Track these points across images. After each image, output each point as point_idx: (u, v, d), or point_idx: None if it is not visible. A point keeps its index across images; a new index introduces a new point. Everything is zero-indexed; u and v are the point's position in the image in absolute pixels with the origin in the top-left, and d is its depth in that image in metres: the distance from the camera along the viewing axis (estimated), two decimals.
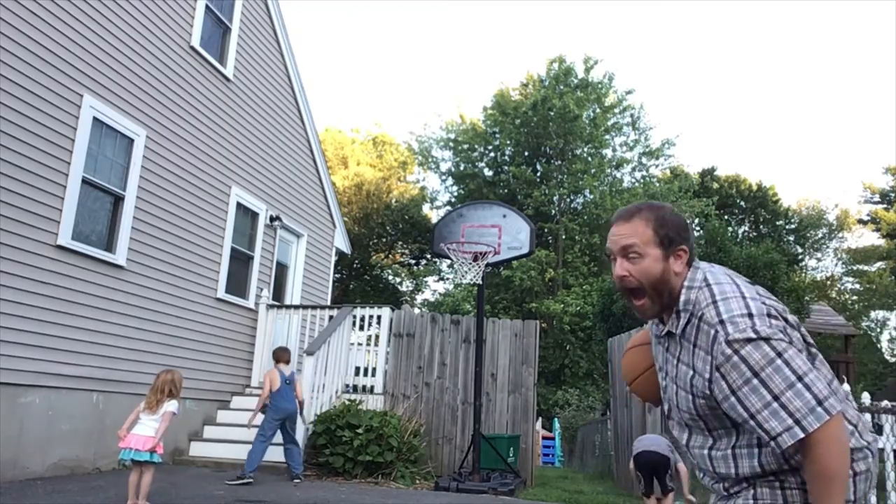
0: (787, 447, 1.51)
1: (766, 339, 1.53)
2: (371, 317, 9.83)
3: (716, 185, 33.85)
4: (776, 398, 1.51)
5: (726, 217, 32.48)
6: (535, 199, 24.90)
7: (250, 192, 10.17)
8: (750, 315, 1.57)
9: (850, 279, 37.10)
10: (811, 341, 1.67)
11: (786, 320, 1.61)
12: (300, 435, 8.05)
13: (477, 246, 8.34)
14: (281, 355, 7.68)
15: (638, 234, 1.70)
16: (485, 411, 8.72)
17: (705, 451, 1.71)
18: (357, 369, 9.76)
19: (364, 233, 28.44)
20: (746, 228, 34.69)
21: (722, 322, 1.58)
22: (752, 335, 1.54)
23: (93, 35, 7.23)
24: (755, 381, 1.52)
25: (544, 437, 19.98)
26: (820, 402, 1.50)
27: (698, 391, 1.64)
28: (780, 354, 1.52)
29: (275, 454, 8.10)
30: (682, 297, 1.68)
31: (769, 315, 1.58)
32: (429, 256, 30.20)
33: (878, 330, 36.86)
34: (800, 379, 1.51)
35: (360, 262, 29.58)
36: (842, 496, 1.51)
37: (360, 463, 7.66)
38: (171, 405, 5.19)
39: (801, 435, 1.49)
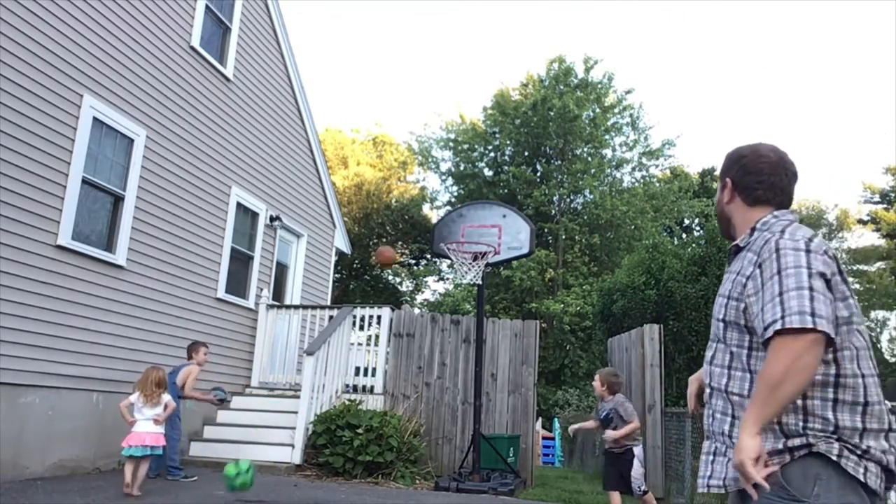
0: (768, 338, 1.69)
1: (808, 252, 1.75)
2: (371, 317, 9.83)
3: (716, 185, 33.84)
4: (782, 293, 1.69)
5: None
6: (535, 199, 24.88)
7: (250, 192, 10.17)
8: (810, 239, 1.79)
9: (851, 279, 37.02)
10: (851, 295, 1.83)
11: (836, 262, 1.79)
12: (300, 435, 8.06)
13: (477, 246, 8.34)
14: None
15: None
16: (485, 411, 8.72)
17: (713, 367, 1.93)
18: (357, 369, 9.76)
19: (364, 233, 28.42)
20: None
21: (783, 232, 1.83)
22: (802, 245, 1.76)
23: (93, 35, 7.23)
24: (778, 276, 1.73)
25: (544, 437, 19.96)
26: (812, 314, 1.64)
27: (733, 292, 1.88)
28: (808, 267, 1.71)
29: (272, 454, 8.11)
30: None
31: (825, 252, 1.78)
32: (429, 256, 30.17)
33: (878, 330, 36.84)
34: (810, 289, 1.68)
35: (360, 262, 29.55)
36: (770, 409, 1.68)
37: (360, 463, 7.66)
38: (168, 397, 6.06)
39: (779, 326, 1.65)
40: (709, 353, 1.97)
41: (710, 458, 1.91)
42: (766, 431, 1.75)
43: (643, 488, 5.89)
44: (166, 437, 6.61)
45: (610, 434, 5.89)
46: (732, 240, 2.06)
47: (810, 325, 1.63)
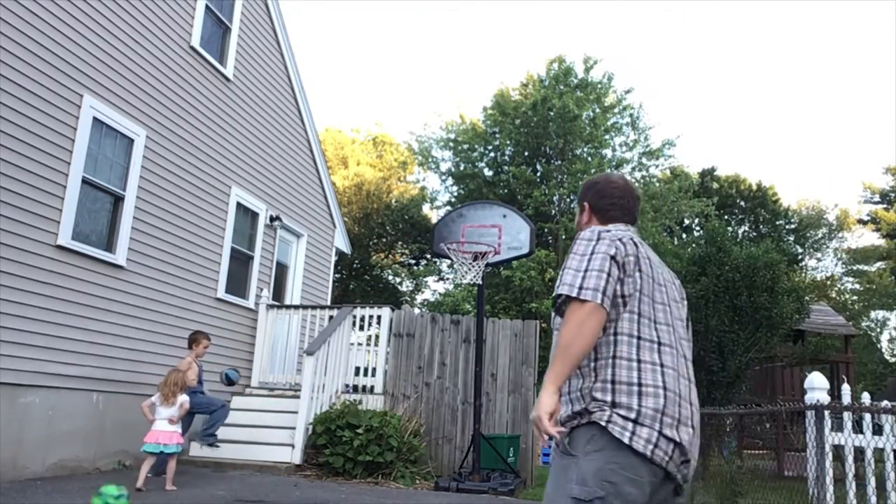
0: (557, 298, 2.10)
1: (598, 240, 2.12)
2: (371, 317, 9.83)
3: (716, 185, 33.82)
4: (565, 269, 2.10)
5: (726, 217, 32.45)
6: (535, 199, 24.87)
7: (250, 192, 10.17)
8: (607, 230, 2.18)
9: (850, 279, 37.08)
10: (650, 274, 2.17)
11: (637, 249, 2.16)
12: (300, 435, 8.06)
13: (477, 246, 8.34)
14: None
15: None
16: (485, 411, 8.72)
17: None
18: (357, 369, 9.76)
19: (364, 233, 28.41)
20: (746, 228, 34.65)
21: (591, 228, 2.23)
22: (595, 236, 2.14)
23: (93, 35, 7.23)
24: (569, 255, 2.16)
25: None
26: (580, 287, 2.01)
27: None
28: (592, 253, 2.09)
29: (272, 454, 8.11)
30: None
31: (620, 239, 2.14)
32: (429, 256, 30.16)
33: (878, 330, 36.82)
34: (585, 271, 2.05)
35: (360, 262, 29.54)
36: (564, 367, 1.99)
37: (360, 463, 7.66)
38: (184, 398, 6.41)
39: (558, 291, 2.06)
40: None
41: None
42: (568, 401, 2.08)
43: None
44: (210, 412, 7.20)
45: None
46: None
47: (574, 295, 2.01)
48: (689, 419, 2.03)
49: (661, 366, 2.04)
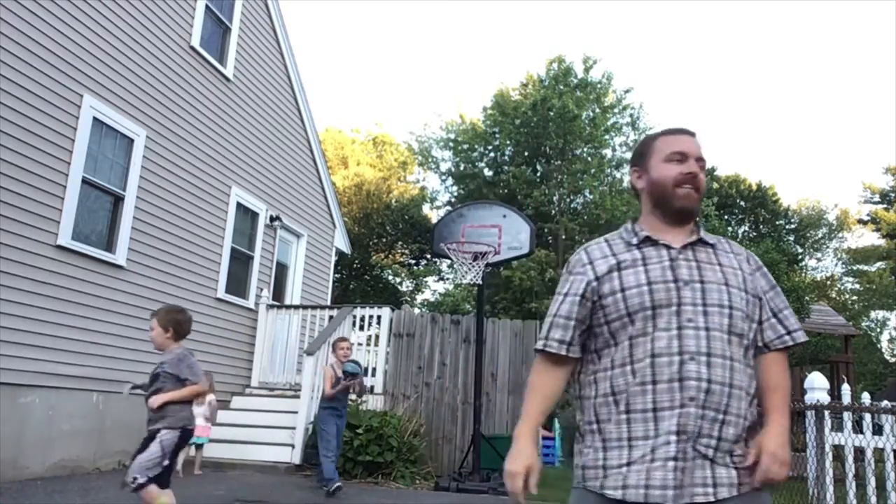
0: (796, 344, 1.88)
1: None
2: (371, 317, 9.83)
3: (716, 186, 33.79)
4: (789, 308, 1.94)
5: (726, 217, 32.41)
6: (535, 199, 24.86)
7: (250, 192, 10.17)
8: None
9: (850, 279, 37.08)
10: None
11: None
12: (300, 435, 8.05)
13: (477, 246, 8.34)
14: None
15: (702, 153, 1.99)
16: (485, 411, 8.72)
17: (735, 363, 1.78)
18: None
19: (364, 233, 28.40)
20: (746, 228, 34.64)
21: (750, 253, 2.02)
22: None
23: (93, 35, 7.23)
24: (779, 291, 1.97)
25: (544, 437, 19.94)
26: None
27: (745, 286, 1.87)
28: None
29: (272, 453, 8.11)
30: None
31: None
32: (429, 256, 30.16)
33: (878, 330, 36.83)
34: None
35: (360, 262, 29.53)
36: None
37: (360, 463, 7.66)
38: (211, 397, 7.14)
39: (802, 339, 1.88)
40: (715, 344, 1.75)
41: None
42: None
43: (140, 481, 3.99)
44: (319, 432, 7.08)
45: (154, 400, 4.21)
46: (692, 217, 1.95)
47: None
48: None
49: None
